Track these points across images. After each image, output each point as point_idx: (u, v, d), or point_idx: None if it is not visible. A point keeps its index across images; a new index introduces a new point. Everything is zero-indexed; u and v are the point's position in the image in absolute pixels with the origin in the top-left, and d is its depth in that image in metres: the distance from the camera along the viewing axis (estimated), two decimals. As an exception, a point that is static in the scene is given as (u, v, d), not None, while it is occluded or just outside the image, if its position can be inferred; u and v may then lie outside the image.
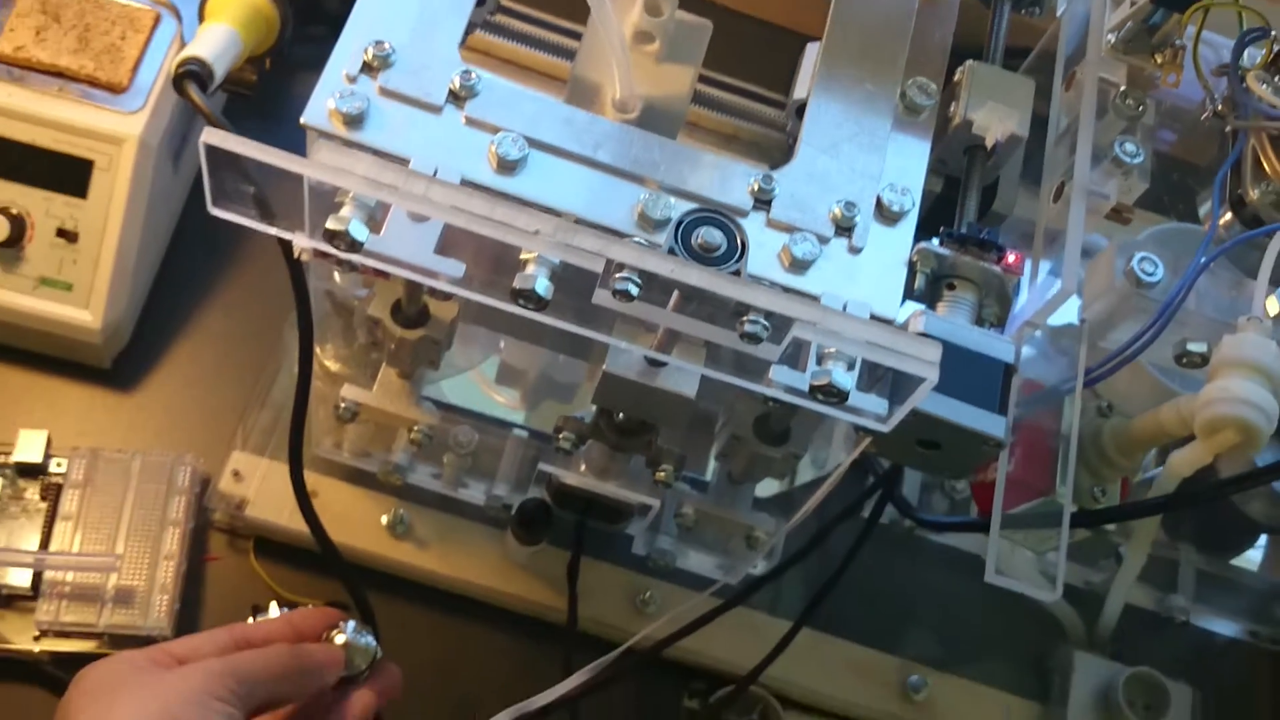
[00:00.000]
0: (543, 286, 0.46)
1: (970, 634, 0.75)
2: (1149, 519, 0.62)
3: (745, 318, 0.46)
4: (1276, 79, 0.61)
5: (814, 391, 0.47)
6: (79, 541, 0.66)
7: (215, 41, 0.57)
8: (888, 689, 0.72)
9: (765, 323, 0.46)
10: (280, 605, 0.67)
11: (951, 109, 0.56)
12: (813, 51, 0.56)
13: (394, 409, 0.62)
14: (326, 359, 0.68)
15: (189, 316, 0.76)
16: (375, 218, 0.47)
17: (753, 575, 0.68)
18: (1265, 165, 0.60)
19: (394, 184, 0.45)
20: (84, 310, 0.70)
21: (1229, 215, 0.61)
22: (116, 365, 0.73)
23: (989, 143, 0.55)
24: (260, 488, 0.69)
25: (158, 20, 0.72)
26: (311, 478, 0.69)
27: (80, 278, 0.70)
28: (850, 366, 0.47)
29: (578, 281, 0.47)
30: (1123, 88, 0.62)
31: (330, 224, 0.46)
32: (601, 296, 0.47)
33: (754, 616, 0.72)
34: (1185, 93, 0.67)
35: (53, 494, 0.68)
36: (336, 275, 0.62)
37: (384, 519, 0.69)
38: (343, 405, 0.62)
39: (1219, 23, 0.65)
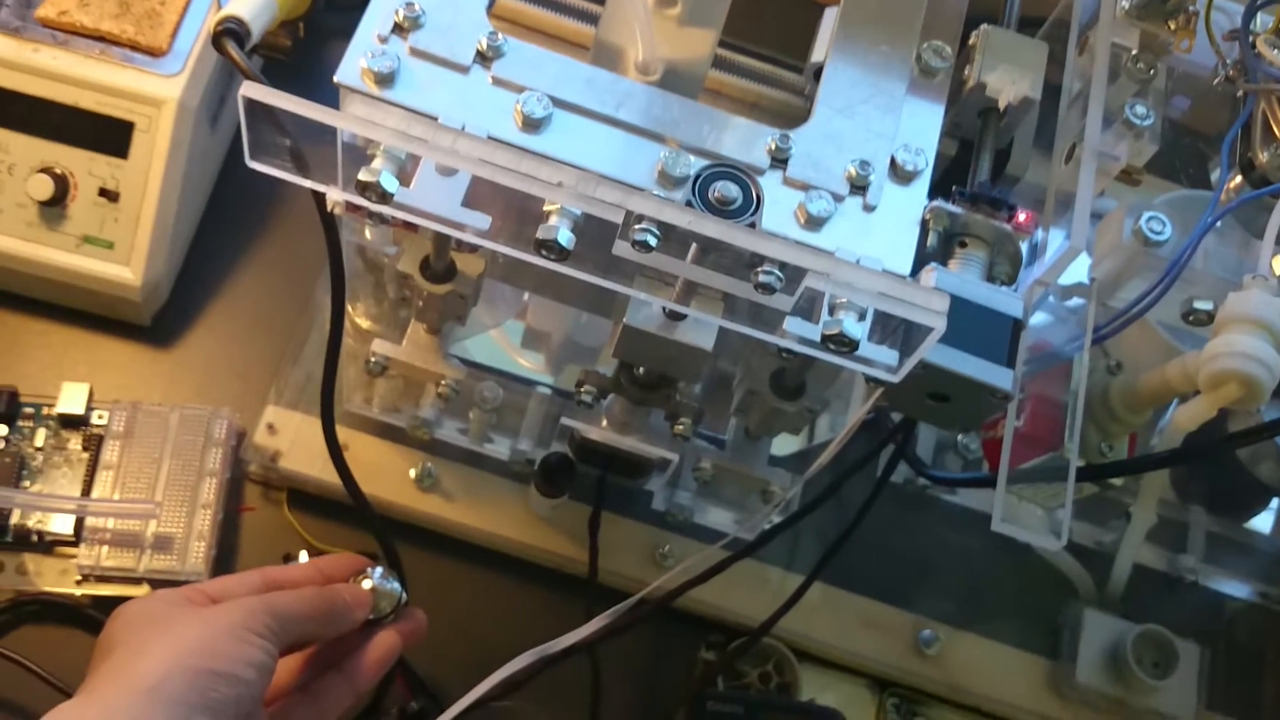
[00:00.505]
0: (565, 237, 0.48)
1: (982, 591, 0.76)
2: (1156, 474, 0.63)
3: (760, 268, 0.48)
4: (1289, 44, 0.62)
5: (825, 341, 0.48)
6: (119, 491, 0.69)
7: (252, 1, 0.59)
8: (900, 643, 0.73)
9: (779, 273, 0.48)
10: (311, 554, 0.69)
11: (965, 72, 0.58)
12: (831, 16, 0.58)
13: (422, 363, 0.64)
14: (358, 316, 0.70)
15: (226, 275, 0.78)
16: (405, 171, 0.49)
17: (765, 528, 0.70)
18: (1275, 128, 0.61)
19: (423, 137, 0.47)
20: (125, 268, 0.72)
21: (1239, 179, 0.62)
22: (156, 322, 0.76)
23: (1001, 105, 0.56)
24: (294, 440, 0.71)
25: (196, -14, 0.74)
26: (343, 432, 0.71)
27: (121, 236, 0.72)
28: (861, 317, 0.49)
29: (599, 234, 0.49)
30: (1134, 51, 0.63)
31: (362, 175, 0.47)
32: (621, 248, 0.49)
33: (770, 571, 0.74)
34: (1198, 59, 0.67)
35: (94, 445, 0.70)
36: (368, 232, 0.64)
37: (412, 472, 0.72)
38: (373, 360, 0.64)
39: (1232, -10, 0.66)
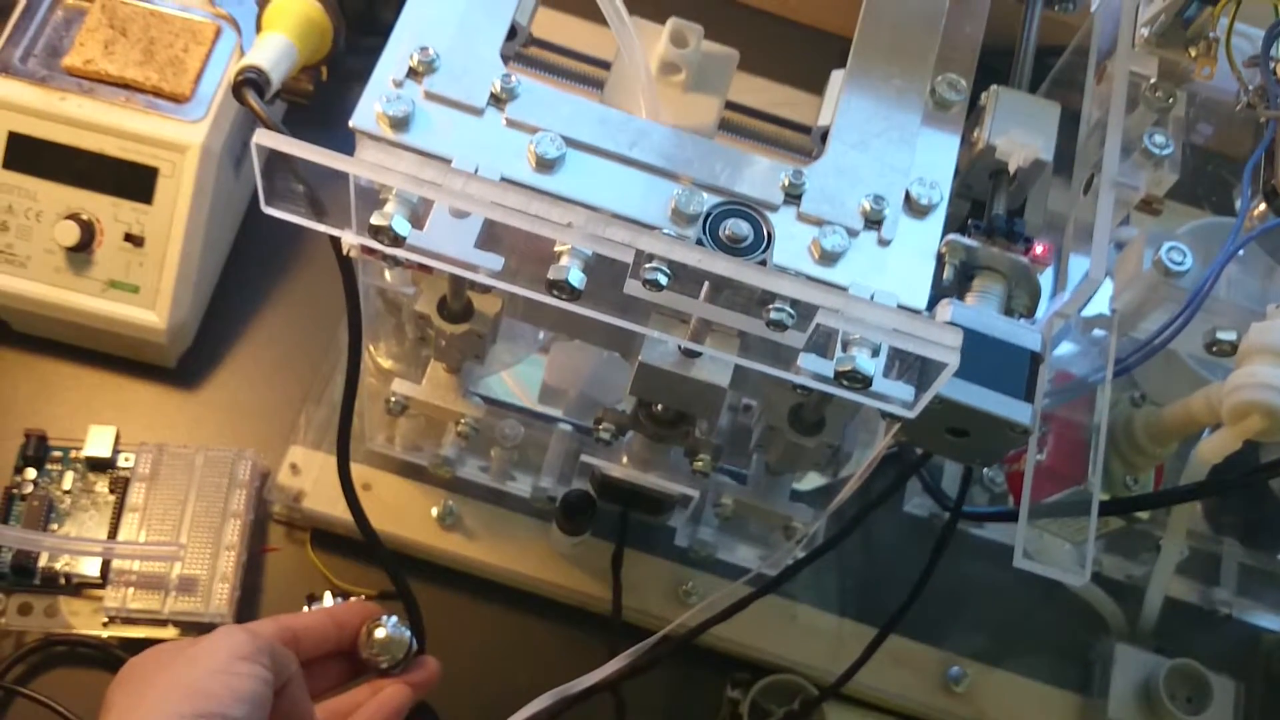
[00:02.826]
0: (576, 278, 0.48)
1: (1011, 627, 0.75)
2: (1184, 506, 0.62)
3: (771, 305, 0.48)
4: (1310, 70, 0.61)
5: (839, 377, 0.48)
6: (145, 533, 0.69)
7: (272, 51, 0.60)
8: (928, 680, 0.72)
9: (790, 310, 0.48)
10: (335, 595, 0.70)
11: (975, 134, 0.57)
12: (837, 79, 0.58)
13: (442, 402, 0.65)
14: (379, 356, 0.70)
15: (250, 317, 0.79)
16: (418, 214, 0.49)
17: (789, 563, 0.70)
18: (1299, 156, 0.61)
19: (434, 180, 0.47)
20: (150, 312, 0.73)
21: (1262, 206, 0.62)
22: (181, 364, 0.77)
23: (1012, 168, 0.55)
24: (317, 481, 0.72)
25: (218, 33, 0.76)
26: (365, 471, 0.72)
27: (147, 280, 0.73)
28: (874, 353, 0.48)
29: (611, 273, 0.49)
30: (1153, 80, 0.62)
31: (375, 219, 0.48)
32: (632, 286, 0.49)
33: (796, 608, 0.73)
34: (1221, 85, 0.67)
35: (120, 487, 0.71)
36: (387, 274, 0.64)
37: (434, 511, 0.72)
38: (393, 399, 0.64)
39: (1256, 15, 0.65)
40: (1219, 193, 0.70)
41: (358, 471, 0.72)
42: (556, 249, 0.48)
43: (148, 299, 0.73)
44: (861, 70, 0.59)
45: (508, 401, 0.72)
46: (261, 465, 0.72)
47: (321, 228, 0.51)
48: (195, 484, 0.71)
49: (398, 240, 0.48)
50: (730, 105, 0.68)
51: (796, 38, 0.96)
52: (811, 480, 0.71)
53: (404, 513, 0.71)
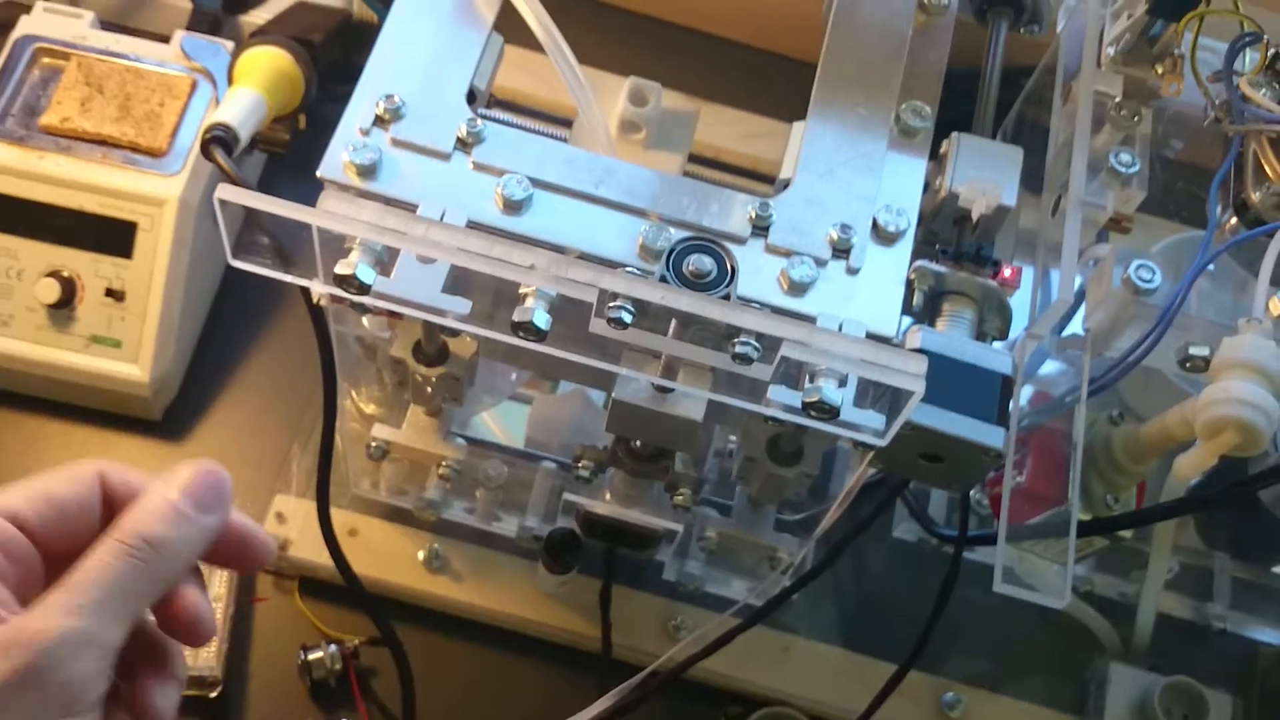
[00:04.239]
0: (541, 319, 0.48)
1: (1005, 650, 0.75)
2: (1167, 523, 0.62)
3: (736, 339, 0.48)
4: (1273, 81, 0.62)
5: (806, 408, 0.48)
6: (133, 586, 0.69)
7: (240, 106, 0.60)
8: (923, 707, 0.72)
9: (755, 343, 0.48)
10: (327, 643, 0.70)
11: (938, 182, 0.57)
12: (797, 131, 0.58)
13: (422, 446, 0.65)
14: (361, 401, 0.70)
15: (235, 367, 0.79)
16: (384, 261, 0.50)
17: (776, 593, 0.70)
18: (1266, 167, 0.61)
19: (396, 228, 0.48)
20: (133, 366, 0.73)
21: (1234, 220, 0.62)
22: (167, 417, 0.77)
23: (975, 215, 0.56)
24: (302, 529, 0.72)
25: (194, 86, 0.76)
26: (351, 517, 0.72)
27: (129, 335, 0.73)
28: (841, 383, 0.48)
29: (578, 313, 0.49)
30: (1118, 98, 0.63)
31: (339, 269, 0.48)
32: (597, 325, 0.49)
33: (787, 639, 0.73)
34: (1190, 99, 0.67)
35: (108, 541, 0.71)
36: (365, 321, 0.65)
37: (420, 554, 0.72)
38: (373, 444, 0.65)
39: (1220, 29, 0.65)
40: (1192, 206, 0.70)
41: (343, 517, 0.72)
42: (521, 291, 0.49)
43: (130, 353, 0.73)
44: (826, 99, 0.59)
45: (490, 441, 0.72)
46: (248, 515, 0.72)
47: (289, 278, 0.51)
48: (182, 536, 0.70)
49: (363, 289, 0.49)
50: (694, 159, 0.69)
51: (771, 68, 0.97)
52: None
53: (390, 557, 0.71)
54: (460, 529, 0.72)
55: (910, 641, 0.73)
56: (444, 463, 0.65)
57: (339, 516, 0.71)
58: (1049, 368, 0.67)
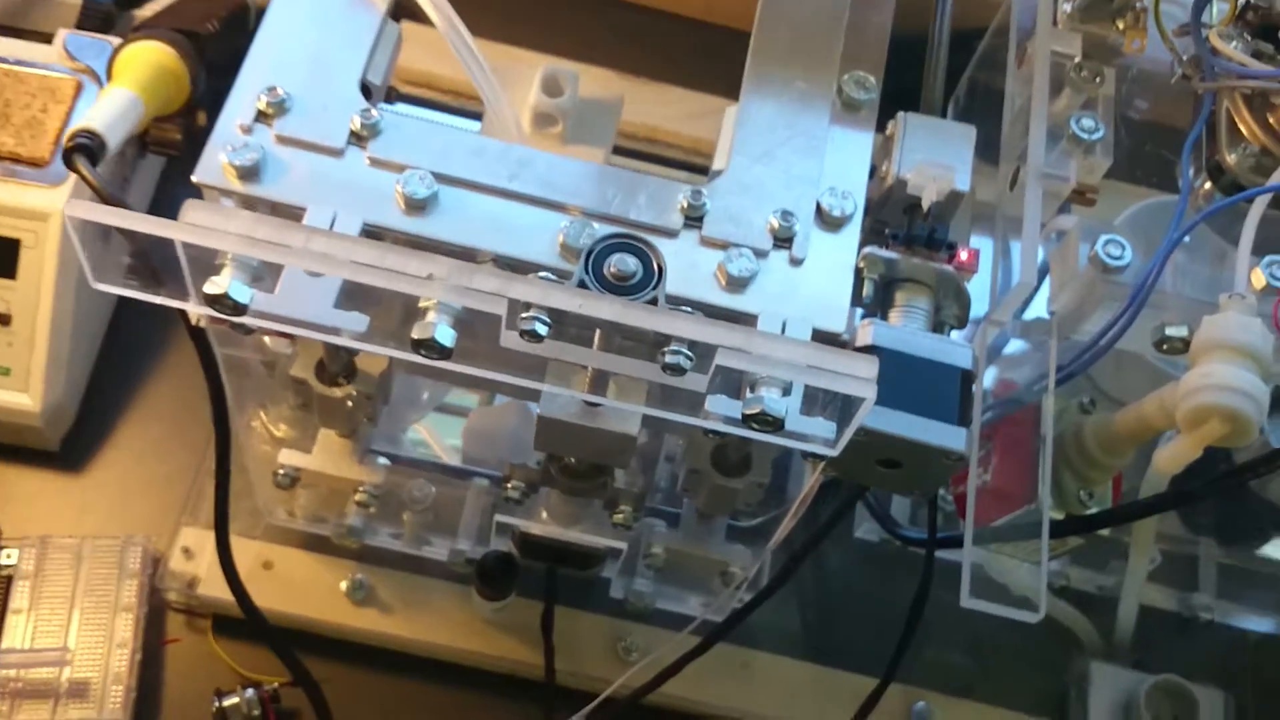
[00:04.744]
0: (444, 335, 0.43)
1: (976, 653, 0.70)
2: (1145, 520, 0.57)
3: (666, 348, 0.43)
4: (1244, 33, 0.57)
5: (747, 421, 0.43)
6: (31, 635, 0.63)
7: (110, 109, 0.54)
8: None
9: (688, 352, 0.43)
10: (244, 687, 0.64)
11: (884, 168, 0.52)
12: (730, 116, 0.53)
13: (335, 471, 0.59)
14: (270, 423, 0.65)
15: (136, 391, 0.73)
16: (264, 276, 0.44)
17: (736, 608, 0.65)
18: (1241, 126, 0.56)
19: (270, 239, 0.42)
20: (23, 394, 0.67)
21: (1208, 184, 0.57)
22: (65, 446, 0.71)
23: (925, 203, 0.50)
24: (212, 563, 0.65)
25: (79, 89, 0.70)
26: (265, 548, 0.67)
27: (17, 361, 0.67)
28: (786, 391, 0.43)
29: (488, 325, 0.44)
30: (1077, 59, 0.58)
31: (208, 288, 0.43)
32: (509, 339, 0.44)
33: (748, 655, 0.68)
34: (1155, 55, 0.62)
35: (3, 587, 0.65)
36: (266, 337, 0.59)
37: (343, 585, 0.66)
38: (281, 472, 0.59)
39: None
40: (1161, 171, 0.65)
41: (256, 549, 0.66)
42: (420, 304, 0.43)
43: (19, 381, 0.67)
44: (761, 75, 0.54)
45: (415, 458, 0.67)
46: (153, 550, 0.67)
47: (160, 300, 0.45)
48: (82, 579, 0.65)
49: (238, 309, 0.43)
50: (623, 149, 0.63)
51: (715, 41, 0.91)
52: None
53: (310, 590, 0.66)
54: (387, 555, 0.67)
55: (880, 648, 0.68)
56: (361, 488, 0.60)
57: (252, 548, 0.66)
58: (1013, 350, 0.62)
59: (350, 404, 0.56)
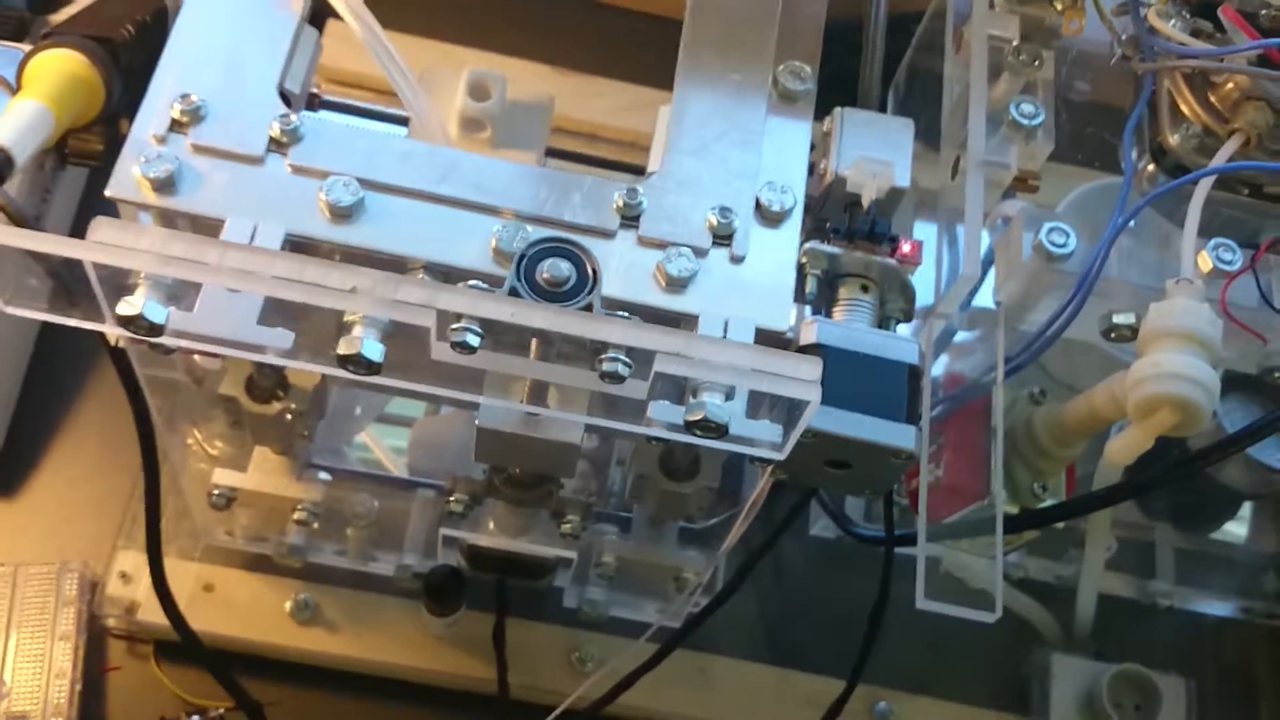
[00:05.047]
0: (371, 349, 0.41)
1: (935, 649, 0.69)
2: (1100, 518, 0.56)
3: (603, 355, 0.42)
4: (1183, 11, 0.56)
5: (689, 427, 0.42)
6: (-35, 670, 0.61)
7: (17, 123, 0.52)
8: (855, 720, 0.66)
9: (625, 359, 0.41)
10: (189, 714, 0.62)
11: (822, 166, 0.51)
12: (665, 112, 0.51)
13: (272, 490, 0.57)
14: (206, 441, 0.62)
15: (67, 412, 0.71)
16: (181, 294, 0.42)
17: (692, 613, 0.63)
18: (1183, 107, 0.55)
19: (183, 255, 0.40)
20: (-53, 419, 0.65)
21: (1151, 166, 0.56)
22: (-6, 471, 0.69)
23: (866, 201, 0.49)
24: (151, 588, 0.63)
25: (-9, 100, 0.67)
26: (205, 570, 0.65)
27: (-62, 386, 0.65)
28: (729, 395, 0.42)
29: (418, 337, 0.42)
30: (1015, 42, 0.57)
31: (122, 309, 0.41)
32: (440, 351, 0.42)
33: (705, 660, 0.67)
34: (1094, 35, 0.61)
35: (-66, 621, 0.63)
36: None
37: (287, 605, 0.64)
38: (215, 492, 0.57)
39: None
40: (1104, 152, 0.64)
41: (197, 571, 0.64)
42: (346, 319, 0.41)
43: (-58, 406, 0.65)
44: (694, 67, 0.53)
45: (358, 470, 0.65)
46: (90, 575, 0.65)
47: (73, 323, 0.43)
48: (16, 608, 0.63)
49: (154, 329, 0.41)
50: (553, 152, 0.62)
51: (655, 32, 0.89)
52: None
53: (253, 612, 0.64)
54: (333, 573, 0.65)
55: (841, 647, 0.67)
56: (300, 506, 0.58)
57: (192, 570, 0.64)
58: (961, 340, 0.61)
59: (284, 421, 0.54)
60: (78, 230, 0.42)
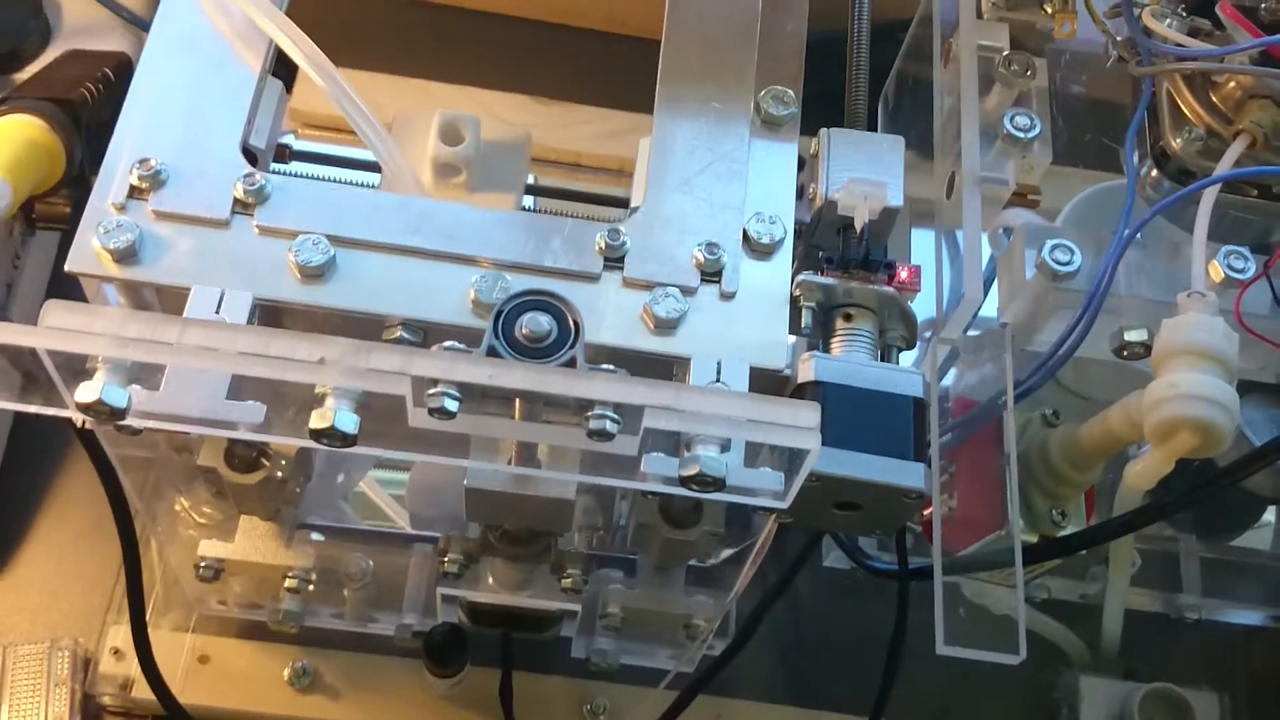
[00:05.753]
0: (345, 421, 0.39)
1: (958, 678, 0.66)
2: (1123, 540, 0.54)
3: (590, 413, 0.39)
4: (1179, 9, 0.54)
5: (685, 482, 0.40)
6: (-44, 759, 0.60)
7: (-35, 198, 0.50)
8: (881, 757, 0.64)
9: (614, 415, 0.39)
10: (189, 788, 0.60)
11: (812, 189, 0.49)
12: (645, 146, 0.49)
13: (260, 558, 0.55)
14: (193, 509, 0.60)
15: (51, 487, 0.69)
16: (143, 374, 0.40)
17: (710, 656, 0.61)
18: (1184, 109, 0.53)
19: (140, 336, 0.38)
20: (-73, 499, 0.63)
21: (1154, 172, 0.54)
22: (-21, 549, 0.67)
23: (859, 223, 0.47)
24: (144, 663, 0.62)
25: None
26: (200, 640, 0.63)
27: (-83, 465, 0.63)
28: (725, 447, 0.40)
29: (395, 404, 0.40)
30: (1006, 51, 0.54)
31: (80, 396, 0.39)
32: (418, 417, 0.40)
33: (720, 704, 0.65)
34: (1088, 36, 0.59)
35: (-77, 709, 0.61)
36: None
37: (285, 673, 0.62)
38: (202, 565, 0.55)
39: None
40: (1103, 152, 0.62)
41: (192, 642, 0.62)
42: (317, 390, 0.39)
43: (-79, 486, 0.63)
44: (673, 98, 0.51)
45: (351, 527, 0.62)
46: (83, 653, 0.63)
47: (35, 409, 0.41)
48: (7, 689, 0.61)
49: (116, 413, 0.39)
50: (533, 190, 0.60)
51: (634, 55, 0.87)
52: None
53: (250, 681, 0.62)
54: (331, 636, 0.63)
55: (860, 682, 0.65)
56: (291, 572, 0.56)
57: (186, 642, 0.62)
58: (958, 374, 0.59)
59: (268, 488, 0.52)
60: (53, 293, 0.40)
